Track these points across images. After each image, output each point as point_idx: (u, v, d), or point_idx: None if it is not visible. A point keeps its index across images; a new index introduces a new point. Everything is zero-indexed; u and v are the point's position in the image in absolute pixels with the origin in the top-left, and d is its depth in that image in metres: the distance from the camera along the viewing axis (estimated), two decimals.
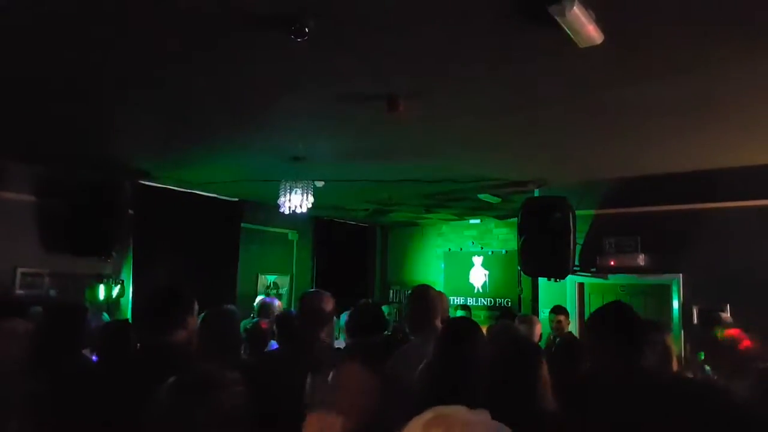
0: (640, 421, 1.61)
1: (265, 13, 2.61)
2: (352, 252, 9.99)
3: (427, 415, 1.04)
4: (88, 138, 5.01)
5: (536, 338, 4.73)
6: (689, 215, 5.67)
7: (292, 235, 8.93)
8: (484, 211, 8.63)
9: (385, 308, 6.61)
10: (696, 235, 5.59)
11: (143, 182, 6.51)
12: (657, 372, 2.79)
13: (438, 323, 3.07)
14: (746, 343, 3.26)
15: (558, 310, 5.66)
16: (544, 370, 2.14)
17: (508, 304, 8.84)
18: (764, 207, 5.34)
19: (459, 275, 9.44)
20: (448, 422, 1.01)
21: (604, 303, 2.49)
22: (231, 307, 3.21)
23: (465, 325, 2.67)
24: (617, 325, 2.28)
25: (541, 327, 5.04)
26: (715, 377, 3.48)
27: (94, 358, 3.63)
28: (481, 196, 7.08)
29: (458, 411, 1.07)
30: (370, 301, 5.63)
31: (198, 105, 4.00)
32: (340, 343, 5.02)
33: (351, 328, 3.86)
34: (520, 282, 8.64)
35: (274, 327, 5.07)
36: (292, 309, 6.33)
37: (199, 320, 3.08)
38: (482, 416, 1.08)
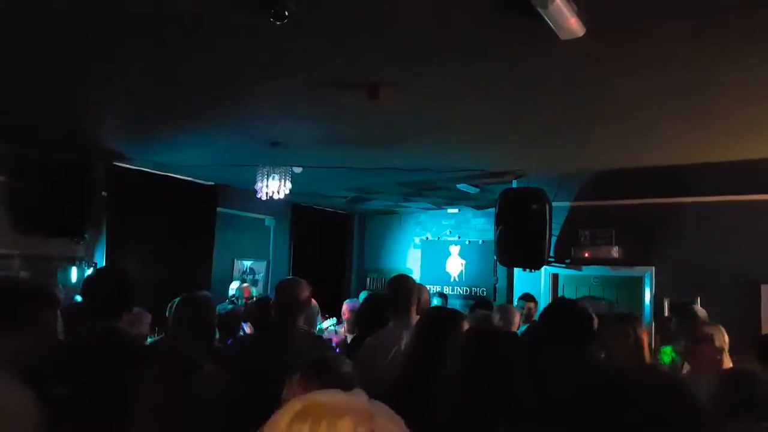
0: (580, 411, 1.64)
1: None
2: (330, 239, 9.97)
3: (296, 405, 0.96)
4: (61, 118, 4.89)
5: (515, 327, 4.77)
6: (663, 209, 5.77)
7: (269, 221, 8.87)
8: (462, 201, 8.67)
9: (364, 293, 6.63)
10: (669, 229, 5.68)
11: (117, 164, 6.39)
12: (604, 365, 2.87)
13: (414, 312, 3.09)
14: (719, 337, 3.32)
15: (528, 297, 5.76)
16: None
17: (483, 293, 8.93)
18: (735, 202, 5.45)
19: (436, 264, 9.50)
20: (315, 414, 0.94)
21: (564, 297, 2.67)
22: (205, 293, 3.18)
23: (445, 315, 2.68)
24: (562, 320, 2.50)
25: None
26: (684, 370, 3.54)
27: None
28: (460, 186, 7.10)
29: (331, 397, 1.00)
30: (374, 292, 5.65)
31: (173, 86, 3.92)
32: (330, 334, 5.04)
33: (364, 320, 3.89)
34: (495, 272, 8.75)
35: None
36: (269, 294, 6.30)
37: (174, 306, 3.06)
38: (356, 400, 1.00)
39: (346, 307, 5.10)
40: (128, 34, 3.08)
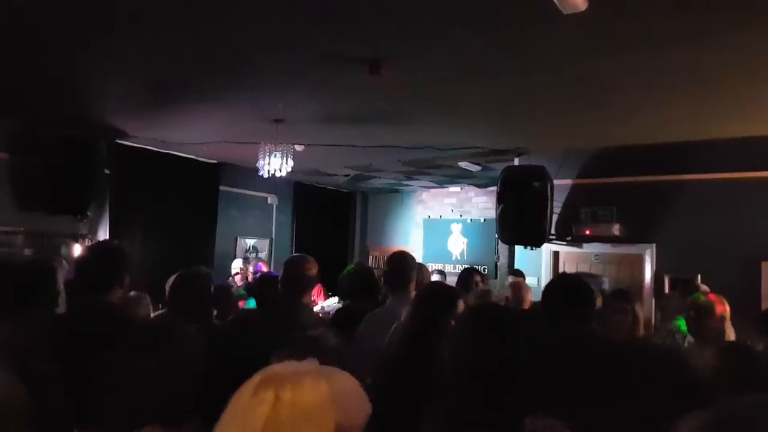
0: (582, 385, 1.67)
1: None
2: (332, 217, 10.00)
3: (256, 378, 1.05)
4: (63, 95, 4.89)
5: (527, 304, 4.77)
6: (664, 186, 5.76)
7: (271, 199, 8.89)
8: (463, 179, 8.67)
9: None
10: (670, 206, 5.69)
11: (120, 141, 6.40)
12: (606, 339, 2.91)
13: (413, 287, 3.11)
14: (720, 308, 3.36)
15: (518, 273, 5.83)
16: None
17: (484, 271, 8.95)
18: (736, 179, 5.44)
19: (438, 242, 9.53)
20: (279, 380, 1.03)
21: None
22: (202, 267, 3.20)
23: (442, 290, 2.69)
24: (565, 295, 2.51)
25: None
26: (690, 343, 3.57)
27: None
28: (462, 164, 7.10)
29: (287, 366, 1.10)
30: (362, 263, 5.69)
31: (175, 62, 3.91)
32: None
33: (346, 291, 3.91)
34: (497, 250, 8.77)
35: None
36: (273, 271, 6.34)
37: (171, 281, 3.08)
38: (311, 365, 1.11)
39: None
40: (130, 9, 3.07)
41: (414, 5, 2.89)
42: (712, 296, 3.59)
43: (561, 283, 2.89)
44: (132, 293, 4.03)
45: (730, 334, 3.57)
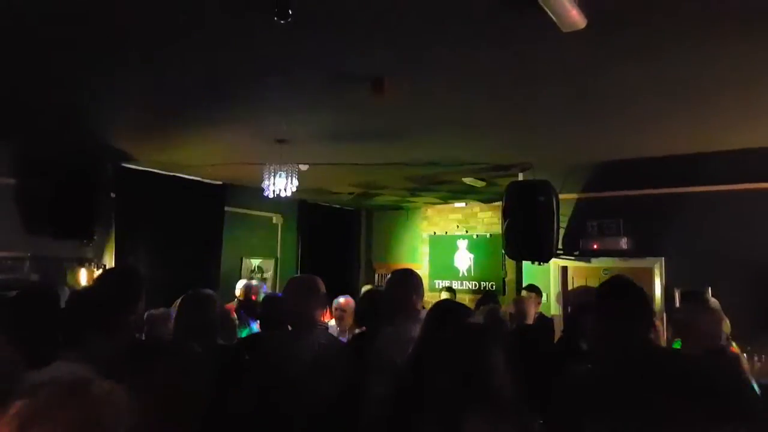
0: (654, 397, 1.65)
1: None
2: (337, 236, 9.98)
3: None
4: (68, 120, 4.92)
5: (530, 319, 4.75)
6: (671, 199, 5.74)
7: (276, 219, 8.89)
8: (468, 195, 8.65)
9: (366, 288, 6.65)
10: (678, 219, 5.65)
11: (125, 165, 6.43)
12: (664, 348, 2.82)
13: (419, 305, 3.09)
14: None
15: (532, 288, 5.88)
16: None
17: (492, 287, 8.92)
18: (744, 191, 5.42)
19: (444, 259, 9.49)
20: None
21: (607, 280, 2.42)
22: (208, 291, 3.19)
23: (451, 307, 2.68)
24: (625, 298, 2.22)
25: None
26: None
27: None
28: (466, 180, 7.09)
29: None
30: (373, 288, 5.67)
31: (179, 86, 3.94)
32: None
33: (364, 316, 3.90)
34: (504, 265, 8.73)
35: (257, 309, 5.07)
36: (278, 293, 6.31)
37: (177, 305, 3.07)
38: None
39: (344, 303, 5.18)
40: (136, 37, 3.10)
41: (416, 24, 2.91)
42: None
43: (614, 285, 2.60)
44: (161, 309, 4.01)
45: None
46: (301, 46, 3.18)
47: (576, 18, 2.62)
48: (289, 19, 2.63)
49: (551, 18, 2.57)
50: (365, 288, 6.25)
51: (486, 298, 5.93)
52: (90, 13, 2.83)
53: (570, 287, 6.40)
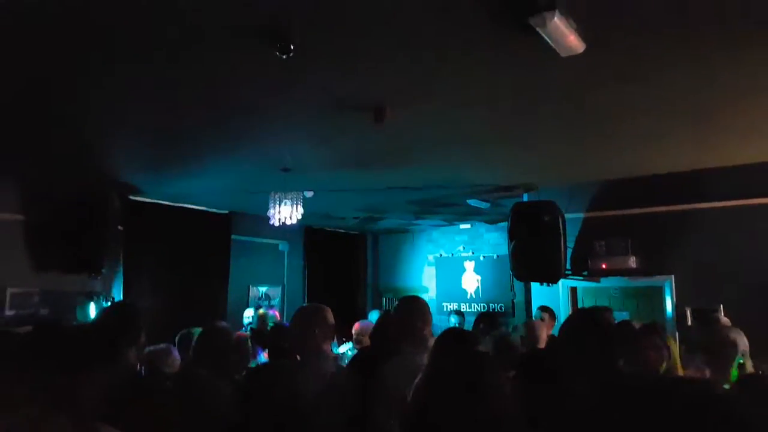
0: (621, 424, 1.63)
1: (250, 29, 2.61)
2: (344, 260, 9.97)
3: None
4: (74, 155, 4.97)
5: (542, 342, 4.69)
6: (679, 216, 5.71)
7: (282, 246, 8.90)
8: (473, 216, 8.64)
9: (375, 313, 6.62)
10: (687, 236, 5.62)
11: (132, 197, 6.48)
12: (637, 374, 2.83)
13: (427, 332, 3.07)
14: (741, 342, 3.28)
15: (545, 309, 5.78)
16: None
17: (501, 309, 8.85)
18: (753, 206, 5.39)
19: (451, 281, 9.44)
20: None
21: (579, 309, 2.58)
22: (224, 323, 3.20)
23: (458, 336, 2.67)
24: (589, 330, 2.38)
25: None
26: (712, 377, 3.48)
27: None
28: (470, 202, 7.09)
29: None
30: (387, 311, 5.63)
31: (185, 120, 3.99)
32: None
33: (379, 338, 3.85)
34: (512, 286, 8.67)
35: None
36: (285, 321, 6.30)
37: (195, 339, 3.08)
38: None
39: (357, 327, 5.12)
40: (136, 70, 3.14)
41: (414, 53, 2.95)
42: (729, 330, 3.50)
43: (581, 319, 2.79)
44: (162, 345, 4.01)
45: (749, 367, 3.49)
46: (303, 78, 3.22)
47: (574, 43, 2.65)
48: (291, 54, 2.68)
49: (550, 44, 2.60)
50: (374, 312, 6.22)
51: (485, 318, 5.79)
52: (97, 49, 2.88)
53: (581, 306, 6.36)
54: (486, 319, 6.48)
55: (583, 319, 2.79)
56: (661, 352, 3.04)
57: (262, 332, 5.61)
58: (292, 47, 2.62)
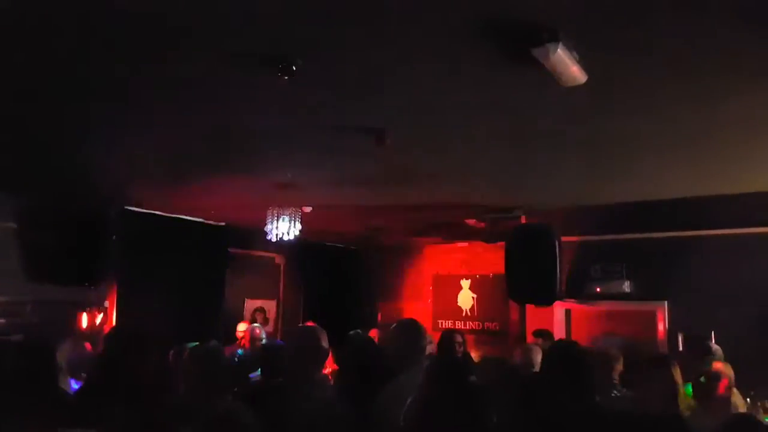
0: None
1: (253, 52, 2.63)
2: (340, 276, 9.90)
3: None
4: (70, 166, 4.96)
5: (538, 366, 4.65)
6: (674, 242, 5.74)
7: (279, 260, 8.87)
8: (471, 235, 8.65)
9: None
10: (681, 262, 5.64)
11: (128, 208, 6.45)
12: (610, 408, 2.84)
13: (424, 360, 3.06)
14: (725, 382, 3.29)
15: (541, 333, 5.73)
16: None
17: (496, 327, 8.82)
18: (749, 235, 5.42)
19: (447, 298, 9.42)
20: None
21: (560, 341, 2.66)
22: (214, 342, 3.16)
23: (450, 366, 2.66)
24: (566, 365, 2.50)
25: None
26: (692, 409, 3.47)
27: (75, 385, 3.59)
28: (469, 222, 7.10)
29: None
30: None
31: (185, 138, 4.01)
32: None
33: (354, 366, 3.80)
34: (508, 306, 8.65)
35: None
36: (278, 340, 6.27)
37: (184, 359, 3.04)
38: None
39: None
40: (138, 90, 3.16)
41: (418, 82, 2.97)
42: (718, 364, 3.50)
43: (559, 355, 2.82)
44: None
45: (737, 400, 3.49)
46: (305, 102, 3.24)
47: (576, 74, 2.66)
48: (293, 76, 2.69)
49: (552, 75, 2.61)
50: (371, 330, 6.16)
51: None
52: (98, 67, 2.88)
53: (573, 330, 6.36)
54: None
55: (561, 352, 2.83)
56: (665, 387, 3.01)
57: (253, 351, 5.52)
58: (294, 69, 2.64)
